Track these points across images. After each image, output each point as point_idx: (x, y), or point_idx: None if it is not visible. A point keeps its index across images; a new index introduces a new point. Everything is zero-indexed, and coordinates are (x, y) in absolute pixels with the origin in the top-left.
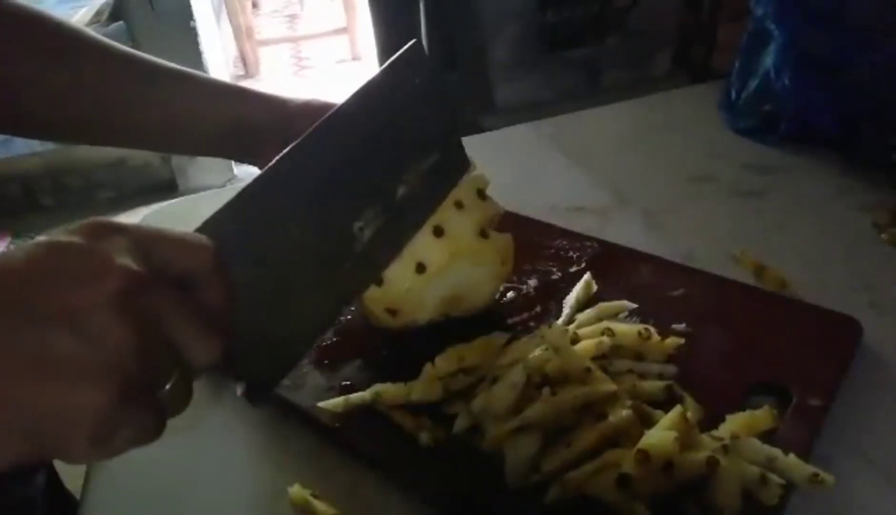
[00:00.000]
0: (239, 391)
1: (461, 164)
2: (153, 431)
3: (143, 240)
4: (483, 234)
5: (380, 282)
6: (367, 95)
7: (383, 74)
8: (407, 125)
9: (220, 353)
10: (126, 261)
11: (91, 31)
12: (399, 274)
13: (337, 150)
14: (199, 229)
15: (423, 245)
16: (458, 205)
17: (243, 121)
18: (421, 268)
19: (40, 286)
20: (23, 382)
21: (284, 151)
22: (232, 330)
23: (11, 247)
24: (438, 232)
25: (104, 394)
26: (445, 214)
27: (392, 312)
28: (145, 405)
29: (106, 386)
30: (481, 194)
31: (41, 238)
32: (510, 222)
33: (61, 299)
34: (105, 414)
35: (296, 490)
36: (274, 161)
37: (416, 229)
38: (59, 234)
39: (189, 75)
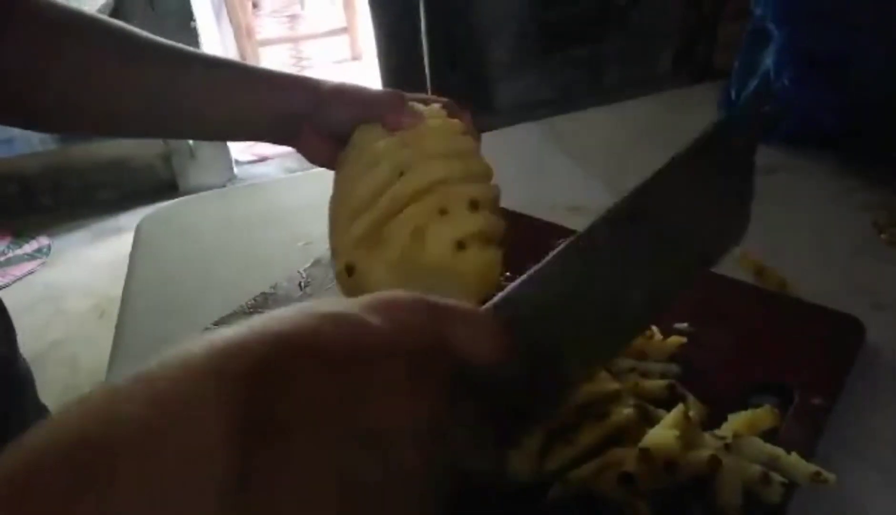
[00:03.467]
0: None
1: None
2: None
3: (436, 320)
4: (461, 246)
5: (351, 272)
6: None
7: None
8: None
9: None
10: (435, 377)
11: (142, 31)
12: (370, 270)
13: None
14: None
15: (396, 245)
16: (443, 211)
17: (286, 109)
18: (391, 271)
19: (352, 388)
20: (328, 501)
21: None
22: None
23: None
24: (417, 234)
25: None
26: (431, 218)
27: None
28: None
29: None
30: (473, 205)
31: (335, 308)
32: (512, 222)
33: (370, 417)
34: None
35: None
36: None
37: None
38: (354, 306)
39: (238, 66)
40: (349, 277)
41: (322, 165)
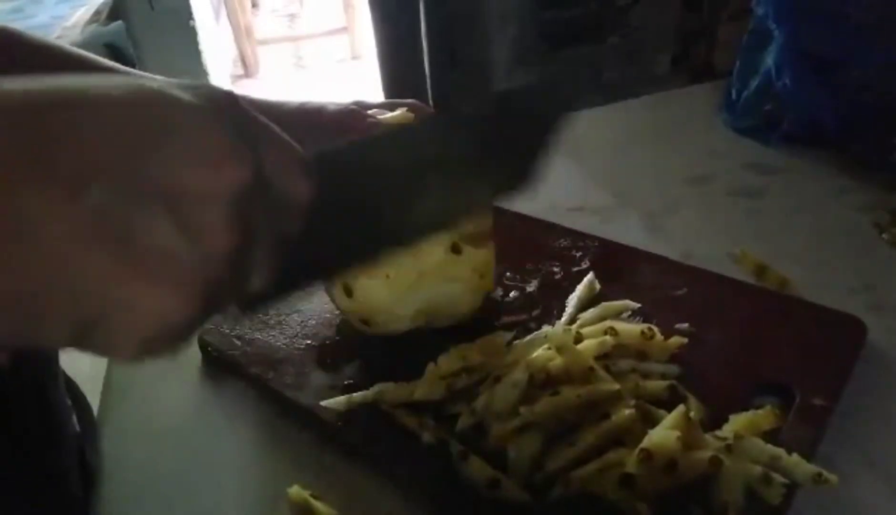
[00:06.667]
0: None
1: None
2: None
3: (258, 133)
4: (456, 250)
5: (350, 293)
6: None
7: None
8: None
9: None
10: (249, 153)
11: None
12: (369, 288)
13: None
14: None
15: (392, 261)
16: None
17: None
18: (390, 284)
19: (151, 146)
20: (97, 257)
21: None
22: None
23: None
24: None
25: (182, 304)
26: None
27: (365, 322)
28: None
29: (186, 296)
30: None
31: (150, 83)
32: (512, 222)
33: (172, 173)
34: (174, 325)
35: (295, 491)
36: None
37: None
38: (172, 86)
39: None
40: (349, 297)
41: None
